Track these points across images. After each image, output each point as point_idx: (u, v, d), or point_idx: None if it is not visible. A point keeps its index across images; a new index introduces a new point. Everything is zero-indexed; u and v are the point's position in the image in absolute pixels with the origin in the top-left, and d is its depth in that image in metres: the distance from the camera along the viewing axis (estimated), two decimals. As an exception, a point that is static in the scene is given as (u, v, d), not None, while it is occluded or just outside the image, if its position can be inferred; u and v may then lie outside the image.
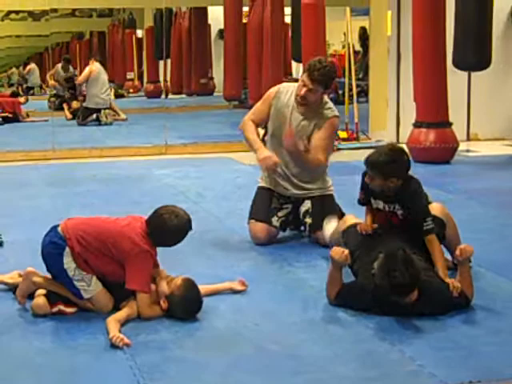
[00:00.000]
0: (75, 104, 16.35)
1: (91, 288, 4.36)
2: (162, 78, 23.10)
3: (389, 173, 4.66)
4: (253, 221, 5.92)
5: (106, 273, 4.41)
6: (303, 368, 3.65)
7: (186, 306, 4.31)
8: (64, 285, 4.39)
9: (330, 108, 5.84)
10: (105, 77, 15.61)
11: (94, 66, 15.55)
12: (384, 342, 3.95)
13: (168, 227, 4.38)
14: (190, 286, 4.38)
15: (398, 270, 4.05)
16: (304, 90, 5.66)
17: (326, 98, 5.86)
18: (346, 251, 4.41)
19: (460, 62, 9.53)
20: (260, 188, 6.05)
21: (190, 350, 3.90)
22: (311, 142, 5.76)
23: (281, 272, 5.21)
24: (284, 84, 6.04)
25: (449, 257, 4.90)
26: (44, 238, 4.50)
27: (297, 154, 5.69)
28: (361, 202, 5.02)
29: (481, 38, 9.27)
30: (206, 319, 4.30)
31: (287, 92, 5.87)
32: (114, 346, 3.89)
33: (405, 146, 10.03)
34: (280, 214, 5.91)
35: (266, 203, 5.91)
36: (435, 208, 4.94)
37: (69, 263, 4.34)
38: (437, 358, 3.73)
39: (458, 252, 4.37)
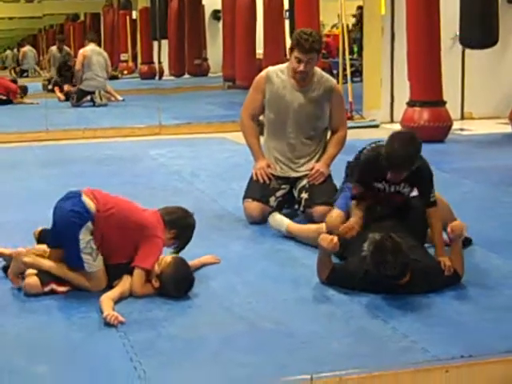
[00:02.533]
0: (67, 87, 16.26)
1: (96, 263, 4.34)
2: (156, 59, 23.00)
3: (415, 162, 4.56)
4: (249, 200, 5.92)
5: (113, 251, 4.40)
6: (297, 345, 3.65)
7: (177, 283, 4.31)
8: (66, 253, 4.37)
9: (327, 78, 5.95)
10: (99, 58, 15.33)
11: (88, 49, 15.38)
12: (377, 319, 3.95)
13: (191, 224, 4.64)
14: (180, 263, 4.38)
15: (388, 262, 4.06)
16: (302, 65, 5.69)
17: (316, 68, 5.91)
18: (335, 239, 4.36)
19: (467, 40, 9.53)
20: None
21: (183, 328, 3.91)
22: (333, 119, 5.95)
23: (274, 250, 5.21)
24: (270, 68, 6.04)
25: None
26: (62, 202, 4.44)
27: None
28: (357, 196, 4.84)
29: (487, 15, 9.29)
30: (199, 297, 4.30)
31: (277, 74, 5.91)
32: (107, 324, 3.89)
33: (399, 125, 10.11)
34: (278, 194, 5.92)
35: (264, 184, 5.92)
36: None
37: (85, 235, 4.30)
38: (429, 334, 3.74)
39: (449, 229, 4.38)
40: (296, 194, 5.93)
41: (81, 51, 15.52)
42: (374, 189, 4.78)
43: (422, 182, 4.66)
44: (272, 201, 5.89)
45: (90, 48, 15.43)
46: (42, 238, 4.92)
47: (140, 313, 4.09)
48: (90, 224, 4.32)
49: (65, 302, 4.27)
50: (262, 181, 5.91)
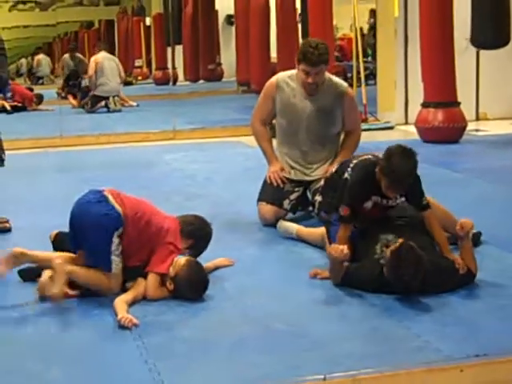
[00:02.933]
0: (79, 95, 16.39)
1: (120, 265, 4.34)
2: (170, 65, 23.08)
3: (415, 174, 4.54)
4: (263, 203, 5.92)
5: (132, 253, 4.39)
6: (309, 346, 3.65)
7: (191, 286, 4.31)
8: (93, 255, 4.34)
9: (337, 83, 5.87)
10: (112, 64, 15.52)
11: (99, 56, 15.55)
12: (390, 319, 3.95)
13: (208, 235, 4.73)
14: (194, 265, 4.39)
15: (410, 275, 4.05)
16: (310, 78, 5.65)
17: (326, 73, 5.82)
18: (345, 249, 4.29)
19: (478, 40, 9.52)
20: None
21: (197, 330, 3.91)
22: (346, 123, 5.92)
23: (288, 252, 5.21)
24: (279, 75, 5.99)
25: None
26: (88, 205, 4.40)
27: None
28: (346, 219, 4.59)
29: (499, 14, 9.28)
30: (213, 300, 4.30)
31: (287, 83, 5.86)
32: (122, 327, 3.90)
33: (413, 127, 10.10)
34: (292, 197, 5.92)
35: (278, 187, 5.92)
36: None
37: (116, 238, 4.31)
38: (442, 333, 3.73)
39: (458, 226, 4.37)
40: (310, 196, 5.93)
41: (93, 58, 15.78)
42: (366, 208, 4.63)
43: (413, 191, 4.58)
44: (286, 204, 5.89)
45: (102, 55, 15.63)
46: (58, 241, 4.93)
47: (154, 315, 4.10)
48: (121, 229, 4.33)
49: (78, 306, 4.27)
50: (275, 184, 5.92)
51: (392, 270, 4.13)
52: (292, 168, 5.96)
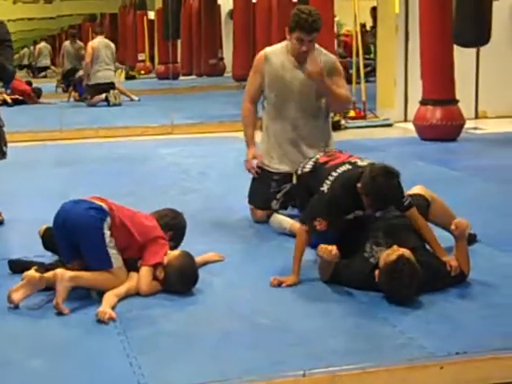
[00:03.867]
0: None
1: (120, 257, 4.31)
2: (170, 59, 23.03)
3: None
4: (252, 206, 5.91)
5: (122, 250, 4.36)
6: (294, 341, 3.65)
7: (182, 277, 4.31)
8: (91, 254, 4.26)
9: (325, 54, 5.82)
10: (107, 51, 15.34)
11: (95, 41, 15.46)
12: (376, 316, 3.94)
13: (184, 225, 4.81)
14: (187, 257, 4.41)
15: (405, 286, 4.03)
16: (304, 46, 5.61)
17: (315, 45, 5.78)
18: (334, 249, 4.24)
19: (458, 37, 9.46)
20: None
21: (182, 325, 3.91)
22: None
23: (278, 248, 5.18)
24: (267, 49, 5.95)
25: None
26: (71, 209, 4.36)
27: (322, 86, 5.60)
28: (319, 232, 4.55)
29: (480, 13, 9.22)
30: (199, 294, 4.30)
31: (276, 54, 5.82)
32: (99, 321, 3.89)
33: (411, 124, 10.08)
34: (279, 195, 5.83)
35: (264, 189, 5.84)
36: (418, 188, 4.88)
37: (106, 230, 4.27)
38: (428, 331, 3.72)
39: (453, 226, 4.33)
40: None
41: (89, 44, 15.66)
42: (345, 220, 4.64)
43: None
44: (274, 204, 5.81)
45: (98, 40, 15.53)
46: (47, 236, 4.91)
47: (140, 309, 4.10)
48: (108, 219, 4.30)
49: (64, 298, 4.26)
50: (256, 176, 5.87)
51: (386, 282, 4.10)
52: (282, 150, 5.84)
